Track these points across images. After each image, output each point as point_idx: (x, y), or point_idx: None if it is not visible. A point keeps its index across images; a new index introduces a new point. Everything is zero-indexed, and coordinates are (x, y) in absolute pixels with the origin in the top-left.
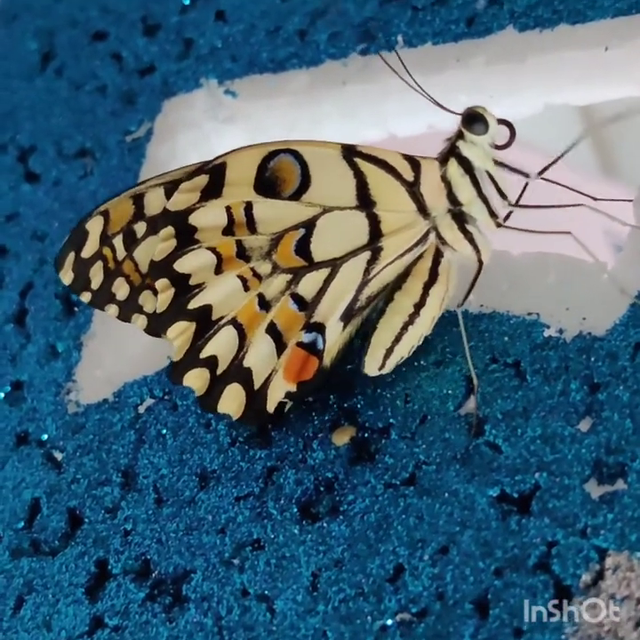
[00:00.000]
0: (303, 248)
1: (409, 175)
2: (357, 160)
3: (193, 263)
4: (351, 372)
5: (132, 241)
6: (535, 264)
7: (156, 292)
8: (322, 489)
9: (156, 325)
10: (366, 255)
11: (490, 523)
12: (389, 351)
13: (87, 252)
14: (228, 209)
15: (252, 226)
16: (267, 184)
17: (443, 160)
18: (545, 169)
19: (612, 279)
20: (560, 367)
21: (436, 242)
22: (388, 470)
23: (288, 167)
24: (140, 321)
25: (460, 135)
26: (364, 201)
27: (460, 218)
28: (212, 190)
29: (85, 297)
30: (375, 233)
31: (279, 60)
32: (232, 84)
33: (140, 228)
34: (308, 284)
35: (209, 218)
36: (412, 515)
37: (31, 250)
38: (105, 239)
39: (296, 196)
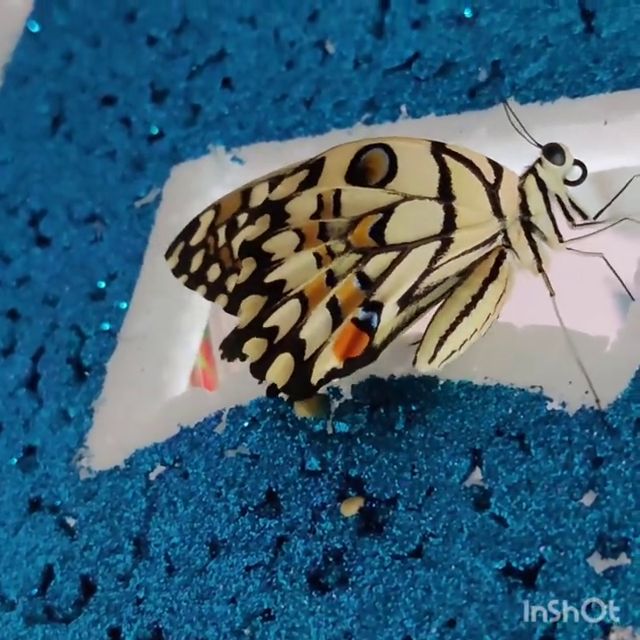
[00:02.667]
0: (378, 231)
1: (491, 177)
2: (445, 156)
3: (279, 243)
4: (359, 440)
5: (233, 230)
6: (539, 337)
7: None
8: (331, 559)
9: (234, 299)
10: (436, 244)
11: (496, 596)
12: (442, 340)
13: (195, 240)
14: (320, 196)
15: (337, 210)
16: (357, 174)
17: (522, 176)
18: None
19: (614, 353)
20: (563, 441)
21: (502, 244)
22: (396, 542)
23: (378, 159)
24: (221, 300)
25: (538, 161)
26: (445, 194)
27: (527, 226)
28: (310, 181)
29: (182, 279)
30: (449, 224)
31: (285, 128)
32: (239, 151)
33: (242, 218)
34: (376, 265)
35: (304, 205)
36: (419, 587)
37: (42, 314)
38: (212, 230)
39: (381, 184)
